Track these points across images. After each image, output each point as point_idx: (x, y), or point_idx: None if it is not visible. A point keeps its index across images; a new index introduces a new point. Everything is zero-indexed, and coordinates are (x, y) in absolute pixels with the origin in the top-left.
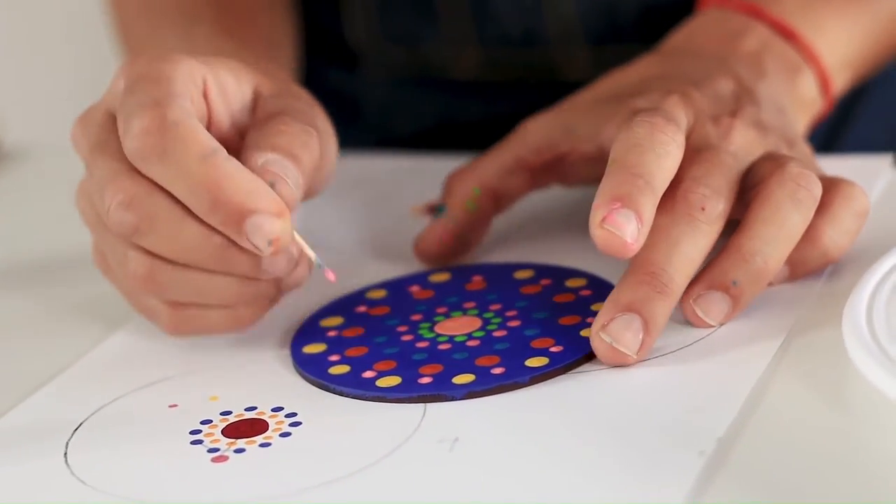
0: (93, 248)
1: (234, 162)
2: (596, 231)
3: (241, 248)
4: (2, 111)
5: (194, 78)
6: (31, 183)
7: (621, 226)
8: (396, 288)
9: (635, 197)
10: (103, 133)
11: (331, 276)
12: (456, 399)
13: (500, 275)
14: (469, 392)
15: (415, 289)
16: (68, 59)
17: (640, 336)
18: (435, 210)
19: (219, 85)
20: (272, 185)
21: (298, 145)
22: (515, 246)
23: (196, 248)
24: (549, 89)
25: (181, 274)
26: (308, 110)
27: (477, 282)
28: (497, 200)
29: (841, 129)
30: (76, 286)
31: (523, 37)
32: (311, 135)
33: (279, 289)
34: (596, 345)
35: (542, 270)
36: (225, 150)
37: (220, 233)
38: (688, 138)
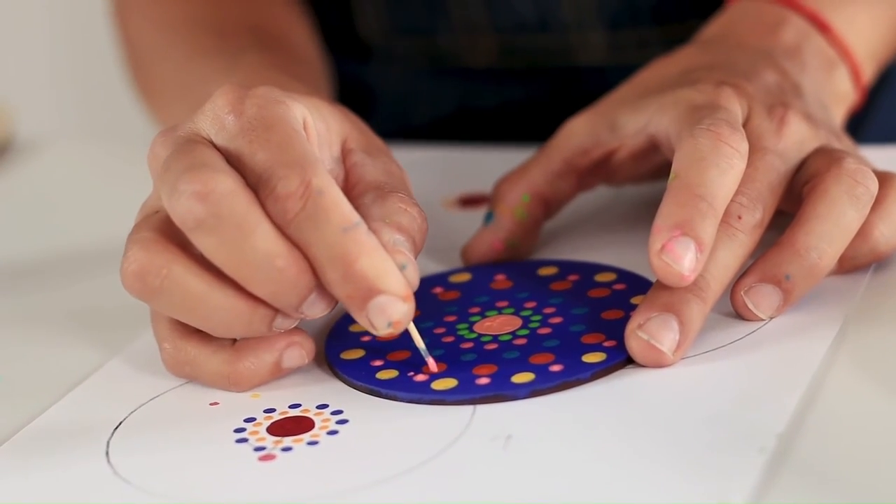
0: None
1: (373, 238)
2: (654, 259)
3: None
4: (14, 104)
5: (300, 122)
6: (44, 177)
7: (679, 257)
8: (419, 290)
9: (696, 223)
10: (190, 143)
11: (434, 367)
12: (519, 398)
13: (524, 272)
14: (533, 391)
15: (438, 290)
16: (81, 53)
17: (677, 337)
18: (485, 217)
19: (315, 131)
20: (402, 268)
21: (416, 230)
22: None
23: (257, 263)
24: (564, 75)
25: (177, 283)
26: (401, 174)
27: (501, 281)
28: (546, 206)
29: (863, 118)
30: (101, 282)
31: (538, 22)
32: (425, 220)
33: (279, 365)
34: (632, 344)
35: (566, 266)
36: (365, 224)
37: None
38: None
